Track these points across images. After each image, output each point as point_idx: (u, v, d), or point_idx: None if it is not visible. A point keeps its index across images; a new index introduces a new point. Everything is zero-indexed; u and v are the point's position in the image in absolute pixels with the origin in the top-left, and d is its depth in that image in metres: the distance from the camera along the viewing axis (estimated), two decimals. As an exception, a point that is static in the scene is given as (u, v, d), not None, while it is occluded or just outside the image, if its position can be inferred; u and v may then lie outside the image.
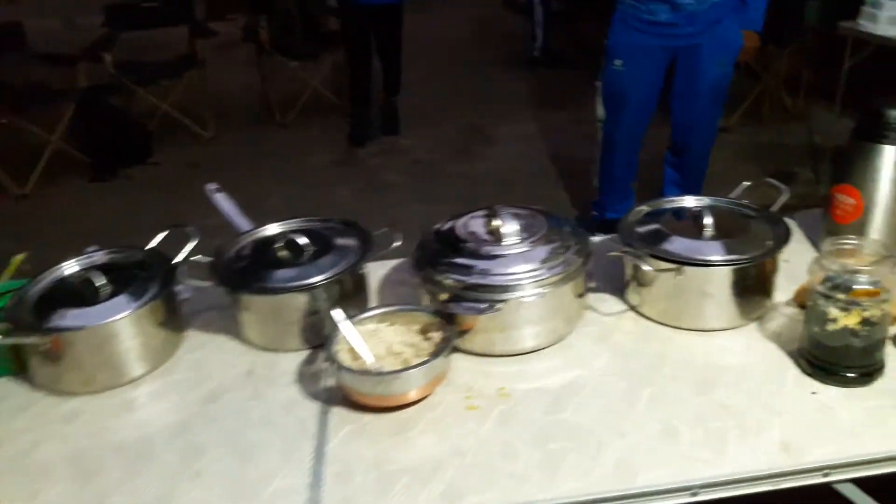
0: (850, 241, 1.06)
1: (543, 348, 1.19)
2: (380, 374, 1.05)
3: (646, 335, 1.22)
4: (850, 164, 1.30)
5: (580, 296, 1.23)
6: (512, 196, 3.92)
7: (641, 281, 1.23)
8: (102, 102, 4.61)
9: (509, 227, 1.21)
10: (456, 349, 1.16)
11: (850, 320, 1.02)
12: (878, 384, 1.05)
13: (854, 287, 1.00)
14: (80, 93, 4.44)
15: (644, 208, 1.33)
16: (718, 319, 1.20)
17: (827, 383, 1.06)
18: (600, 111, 2.90)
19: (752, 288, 1.19)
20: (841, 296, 1.01)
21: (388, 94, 4.82)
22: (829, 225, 1.36)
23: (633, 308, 1.27)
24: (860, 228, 1.31)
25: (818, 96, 4.36)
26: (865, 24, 3.08)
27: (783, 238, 1.21)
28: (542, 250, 1.18)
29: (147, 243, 1.30)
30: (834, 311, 1.02)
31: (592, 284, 1.32)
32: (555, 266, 1.16)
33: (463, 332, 1.16)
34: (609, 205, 3.03)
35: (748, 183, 1.41)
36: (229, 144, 4.93)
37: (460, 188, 4.07)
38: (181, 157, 4.70)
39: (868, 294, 1.00)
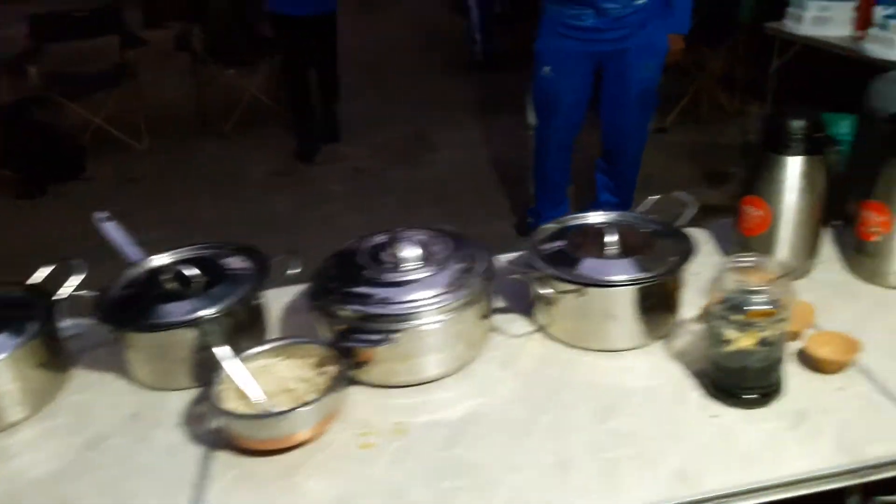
0: (749, 259, 1.04)
1: (446, 376, 1.14)
2: (258, 416, 0.99)
3: (551, 358, 1.18)
4: (756, 176, 1.29)
5: (485, 318, 1.20)
6: (452, 204, 3.89)
7: (547, 301, 1.19)
8: (29, 117, 4.46)
9: (409, 252, 1.16)
10: (354, 382, 1.11)
11: (747, 341, 0.99)
12: (777, 405, 1.03)
13: (749, 308, 0.98)
14: (5, 107, 4.29)
15: (550, 226, 1.30)
16: (624, 340, 1.17)
17: (728, 405, 1.04)
18: (531, 117, 2.88)
19: (656, 306, 1.17)
20: (736, 317, 0.99)
21: (326, 102, 4.73)
22: (738, 237, 1.34)
23: (542, 328, 1.24)
24: (768, 240, 1.29)
25: (753, 95, 4.42)
26: (790, 25, 3.12)
27: (686, 254, 1.19)
28: (444, 275, 1.14)
29: (78, 261, 1.24)
30: (730, 333, 1.00)
31: (501, 305, 1.29)
32: (456, 290, 1.12)
33: (361, 364, 1.11)
34: (544, 211, 3.02)
35: (656, 196, 1.38)
36: (165, 157, 4.81)
37: (401, 197, 4.03)
38: (115, 171, 4.58)
39: (763, 314, 0.98)
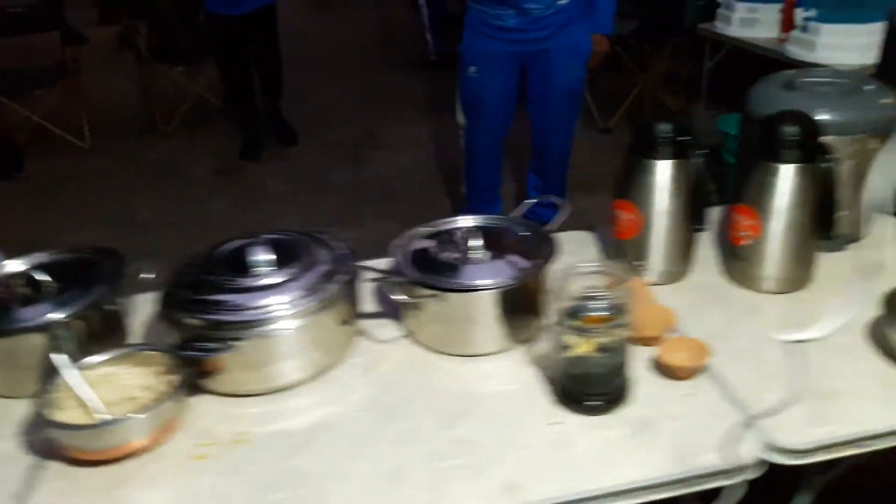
0: (593, 264, 1.03)
1: (301, 384, 1.12)
2: (84, 427, 0.96)
3: (413, 364, 1.16)
4: (626, 179, 1.28)
5: (346, 323, 1.17)
6: (394, 204, 3.86)
7: (412, 307, 1.18)
8: (-37, 115, 4.36)
9: (262, 257, 1.14)
10: (203, 390, 1.09)
11: (586, 347, 0.98)
12: (622, 412, 1.03)
13: (585, 314, 0.97)
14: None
15: (421, 230, 1.28)
16: (485, 344, 1.16)
17: (573, 412, 1.03)
18: (461, 118, 2.86)
19: (517, 310, 1.15)
20: (574, 322, 0.98)
21: (270, 103, 4.61)
22: (613, 241, 1.34)
23: (410, 334, 1.22)
24: (640, 244, 1.29)
25: (696, 94, 4.45)
26: (720, 26, 3.14)
27: (548, 257, 1.18)
28: (299, 280, 1.12)
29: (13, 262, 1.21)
30: (569, 338, 0.99)
31: (372, 309, 1.28)
32: (307, 296, 1.09)
33: (208, 373, 1.08)
34: (477, 210, 2.99)
35: (534, 200, 1.38)
36: (108, 156, 4.72)
37: (344, 197, 3.99)
38: (56, 170, 4.48)
39: (599, 320, 0.97)
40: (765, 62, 3.00)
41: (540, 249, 1.21)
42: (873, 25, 2.63)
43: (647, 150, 1.25)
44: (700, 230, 1.27)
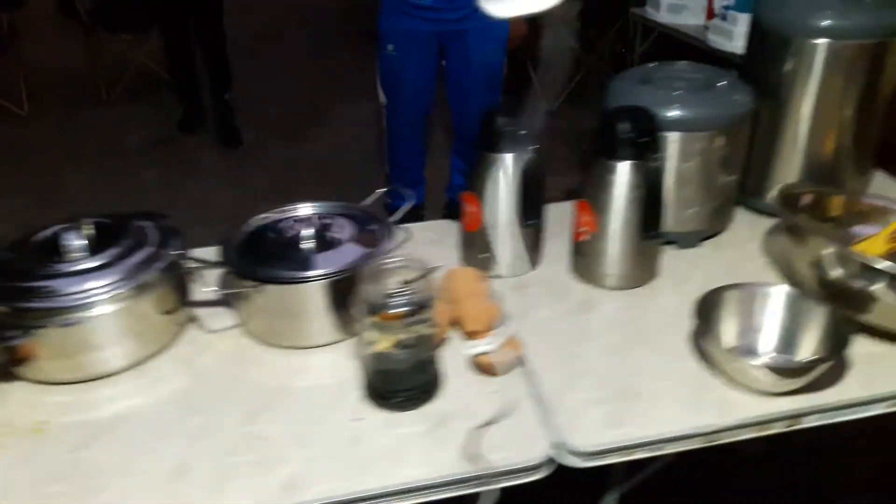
0: (397, 259, 1.01)
1: (118, 373, 1.10)
2: None
3: (237, 356, 1.15)
4: (473, 173, 1.27)
5: (170, 312, 1.16)
6: (329, 181, 3.83)
7: (241, 297, 1.16)
8: None
9: (76, 242, 1.11)
10: (16, 378, 1.07)
11: (385, 344, 0.97)
12: (427, 408, 1.02)
13: (384, 310, 0.96)
14: None
15: (260, 218, 1.26)
16: (312, 336, 1.15)
17: (378, 407, 1.02)
18: (382, 96, 2.83)
19: (347, 302, 1.14)
20: (373, 319, 0.97)
21: (215, 94, 4.33)
22: (462, 233, 1.33)
23: (240, 324, 1.20)
24: (482, 237, 1.28)
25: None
26: (650, 11, 3.13)
27: (381, 248, 1.16)
28: (116, 266, 1.09)
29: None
30: (370, 335, 0.98)
31: (208, 298, 1.25)
32: (122, 282, 1.07)
33: (19, 361, 1.06)
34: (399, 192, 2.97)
35: (383, 189, 1.36)
36: (46, 124, 4.63)
37: (279, 174, 3.95)
38: (-11, 137, 4.40)
39: (395, 317, 0.96)
40: (692, 49, 2.99)
41: (379, 240, 1.19)
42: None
43: (489, 144, 1.24)
44: (533, 225, 1.26)
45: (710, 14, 2.84)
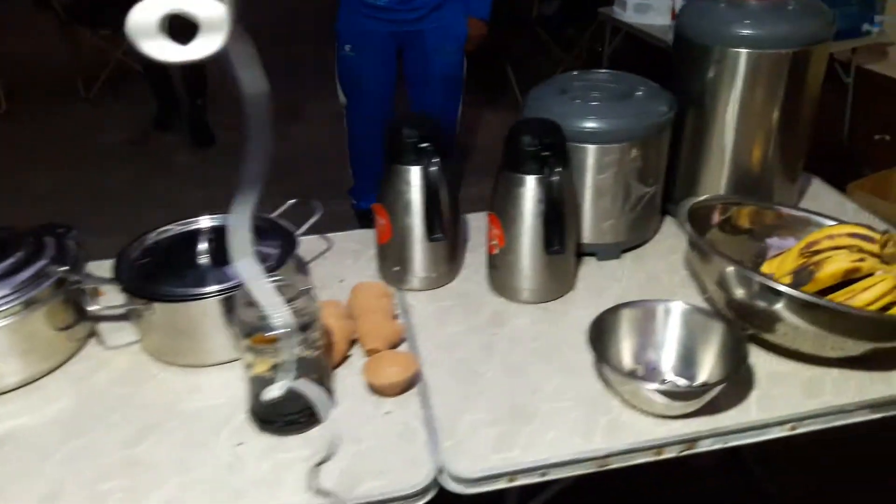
0: (274, 278, 0.98)
1: (5, 391, 1.08)
2: None
3: (132, 374, 1.12)
4: (383, 184, 1.24)
5: (66, 328, 1.13)
6: (300, 180, 3.76)
7: (135, 314, 1.13)
8: None
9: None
10: None
11: (261, 367, 0.95)
12: (315, 432, 0.99)
13: (256, 332, 0.93)
14: None
15: (166, 230, 1.23)
16: (208, 354, 1.12)
17: (263, 431, 1.00)
18: (342, 96, 2.80)
19: (241, 321, 1.11)
20: (247, 342, 0.94)
21: (190, 96, 4.26)
22: (378, 245, 1.30)
23: (139, 340, 1.18)
24: (394, 249, 1.25)
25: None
26: (617, 11, 3.09)
27: (280, 262, 1.14)
28: (5, 281, 1.07)
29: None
30: (248, 357, 0.96)
31: (111, 312, 1.22)
32: (8, 298, 1.05)
33: None
34: (363, 193, 2.95)
35: (293, 200, 1.33)
36: (23, 121, 4.61)
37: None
38: (-37, 135, 4.37)
39: (270, 340, 0.93)
40: (657, 49, 2.95)
41: (280, 253, 1.17)
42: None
43: (395, 155, 1.21)
44: (438, 240, 1.23)
45: (675, 14, 2.80)
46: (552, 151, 1.14)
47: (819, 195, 1.55)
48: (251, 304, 0.94)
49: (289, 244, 1.19)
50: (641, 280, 1.31)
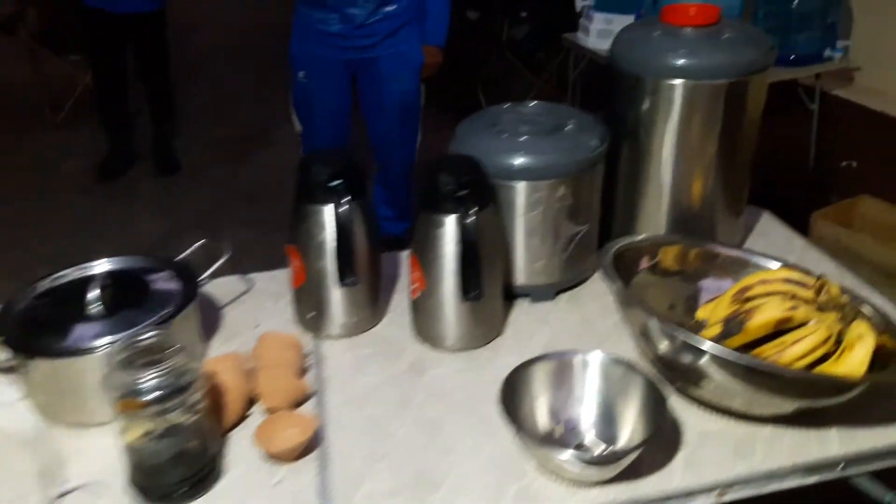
0: (152, 334, 0.90)
1: None
2: None
3: (17, 436, 1.03)
4: (293, 224, 1.16)
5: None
6: (264, 208, 3.70)
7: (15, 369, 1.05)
8: None
9: None
10: None
11: (134, 434, 0.86)
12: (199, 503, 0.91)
13: (126, 396, 0.85)
14: None
15: (53, 277, 1.14)
16: (95, 414, 1.03)
17: (147, 502, 0.91)
18: (297, 124, 2.73)
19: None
20: (118, 406, 0.86)
21: (156, 124, 4.12)
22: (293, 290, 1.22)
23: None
24: (308, 294, 1.17)
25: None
26: (581, 37, 3.04)
27: (178, 311, 1.05)
28: None
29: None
30: (122, 423, 0.87)
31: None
32: None
33: None
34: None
35: (203, 241, 1.25)
36: (-12, 148, 4.52)
37: (216, 198, 3.83)
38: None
39: (137, 406, 0.84)
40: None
41: (178, 301, 1.08)
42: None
43: (306, 194, 1.13)
44: (350, 284, 1.15)
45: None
46: (471, 190, 1.07)
47: (768, 230, 1.48)
48: (122, 364, 0.86)
49: (187, 293, 1.11)
50: (574, 324, 1.23)
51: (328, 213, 1.11)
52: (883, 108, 2.64)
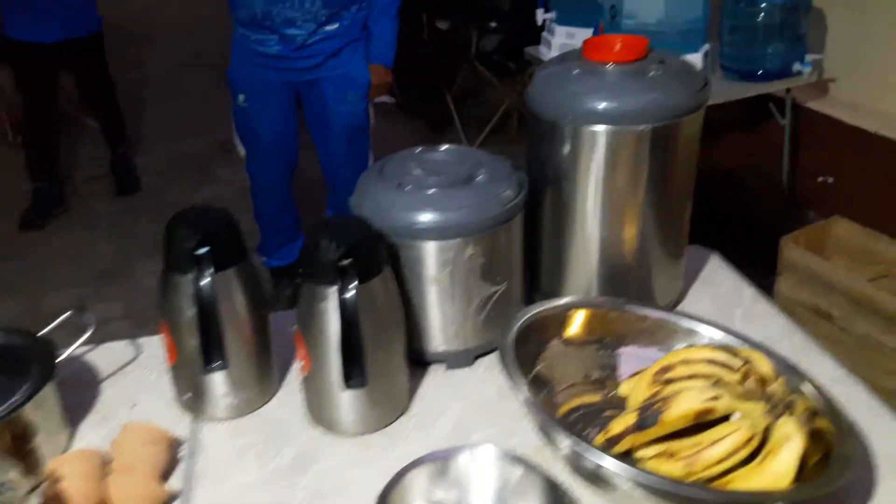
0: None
1: None
2: None
3: None
4: (160, 296, 1.02)
5: None
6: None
7: None
8: None
9: None
10: None
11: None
12: None
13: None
14: None
15: None
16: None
17: None
18: (240, 148, 2.60)
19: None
20: None
21: (110, 147, 3.97)
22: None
23: None
24: (179, 372, 1.04)
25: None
26: (543, 50, 2.92)
27: (36, 389, 0.92)
28: None
29: None
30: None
31: None
32: None
33: None
34: (272, 250, 2.74)
35: (68, 313, 1.11)
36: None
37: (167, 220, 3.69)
38: None
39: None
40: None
41: (30, 385, 0.95)
42: (687, 57, 2.42)
43: (172, 263, 1.00)
44: (216, 369, 1.01)
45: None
46: (356, 259, 0.94)
47: (715, 277, 1.35)
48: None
49: (41, 375, 0.97)
50: (491, 395, 1.10)
51: (189, 283, 0.98)
52: (859, 122, 2.52)
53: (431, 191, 1.07)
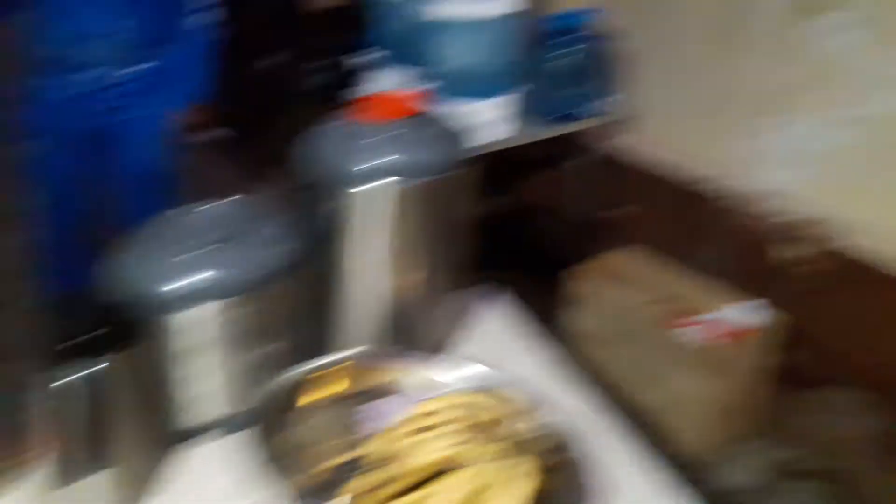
0: None
1: None
2: None
3: None
4: None
5: None
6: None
7: None
8: None
9: None
10: None
11: None
12: None
13: None
14: None
15: None
16: None
17: None
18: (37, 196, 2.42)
19: None
20: None
21: None
22: None
23: None
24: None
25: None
26: (371, 89, 2.97)
27: None
28: None
29: None
30: None
31: None
32: None
33: None
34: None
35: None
36: None
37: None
38: None
39: None
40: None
41: None
42: (494, 100, 2.55)
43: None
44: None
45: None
46: (92, 335, 0.90)
47: (499, 315, 1.41)
48: None
49: None
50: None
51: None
52: (656, 161, 2.68)
53: (183, 256, 1.04)
